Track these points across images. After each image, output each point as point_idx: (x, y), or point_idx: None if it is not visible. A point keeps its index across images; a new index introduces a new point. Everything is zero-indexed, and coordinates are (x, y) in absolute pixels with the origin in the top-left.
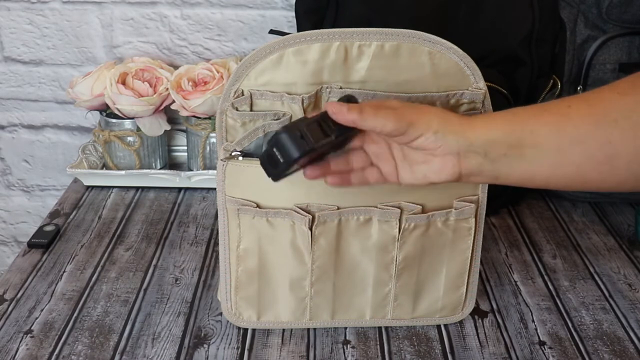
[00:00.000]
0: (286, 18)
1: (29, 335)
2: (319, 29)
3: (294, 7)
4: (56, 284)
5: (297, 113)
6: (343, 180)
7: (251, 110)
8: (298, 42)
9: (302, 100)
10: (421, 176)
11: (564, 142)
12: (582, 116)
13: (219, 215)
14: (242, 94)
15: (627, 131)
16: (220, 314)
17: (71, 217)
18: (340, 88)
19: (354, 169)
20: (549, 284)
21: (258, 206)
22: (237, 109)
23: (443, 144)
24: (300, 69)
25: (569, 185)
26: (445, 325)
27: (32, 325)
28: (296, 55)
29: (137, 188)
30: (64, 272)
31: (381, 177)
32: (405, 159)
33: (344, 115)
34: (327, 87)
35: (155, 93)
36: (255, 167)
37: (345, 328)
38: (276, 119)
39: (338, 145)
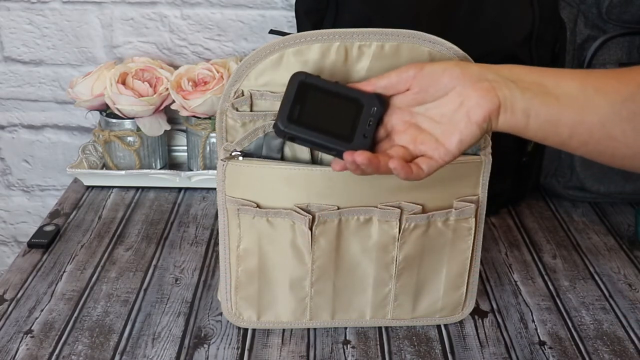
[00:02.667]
0: (286, 18)
1: (29, 335)
2: (319, 29)
3: (294, 7)
4: (56, 284)
5: None
6: (405, 166)
7: (251, 110)
8: (298, 43)
9: None
10: (464, 123)
11: (588, 88)
12: (604, 73)
13: (219, 215)
14: (242, 94)
15: None
16: (220, 314)
17: (71, 217)
18: None
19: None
20: (549, 284)
21: (258, 206)
22: (237, 110)
23: (469, 72)
24: (300, 69)
25: (593, 139)
26: (445, 325)
27: (32, 325)
28: (296, 55)
29: (137, 188)
30: (64, 272)
31: (432, 160)
32: (441, 124)
33: (369, 83)
34: None
35: (155, 93)
36: (255, 167)
37: (345, 328)
38: None
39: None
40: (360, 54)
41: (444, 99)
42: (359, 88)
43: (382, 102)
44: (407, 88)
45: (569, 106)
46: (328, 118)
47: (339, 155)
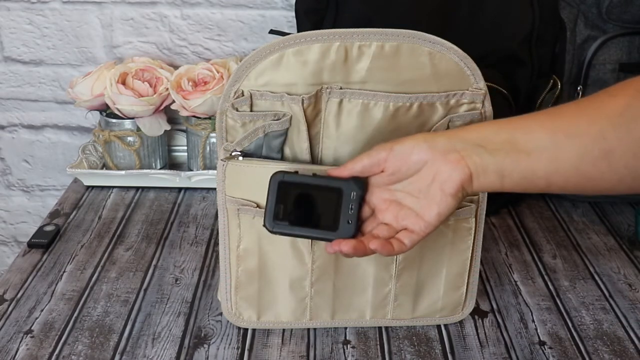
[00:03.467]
0: (286, 18)
1: (29, 335)
2: (319, 29)
3: (294, 7)
4: (56, 284)
5: (297, 113)
6: (386, 245)
7: (251, 110)
8: (298, 43)
9: (302, 100)
10: (439, 197)
11: (559, 135)
12: (573, 113)
13: (219, 215)
14: (242, 94)
15: (620, 127)
16: (220, 314)
17: (71, 217)
18: (340, 89)
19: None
20: (549, 284)
21: (258, 206)
22: (237, 110)
23: (436, 145)
24: (300, 69)
25: (570, 183)
26: (445, 325)
27: (32, 325)
28: (296, 55)
29: (137, 188)
30: (64, 272)
31: (413, 233)
32: (419, 199)
33: (343, 169)
34: (327, 88)
35: (155, 93)
36: (255, 167)
37: (345, 328)
38: (276, 120)
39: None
40: (360, 54)
41: (417, 175)
42: (336, 175)
43: (361, 185)
44: (382, 169)
45: (542, 159)
46: (311, 211)
47: (328, 242)
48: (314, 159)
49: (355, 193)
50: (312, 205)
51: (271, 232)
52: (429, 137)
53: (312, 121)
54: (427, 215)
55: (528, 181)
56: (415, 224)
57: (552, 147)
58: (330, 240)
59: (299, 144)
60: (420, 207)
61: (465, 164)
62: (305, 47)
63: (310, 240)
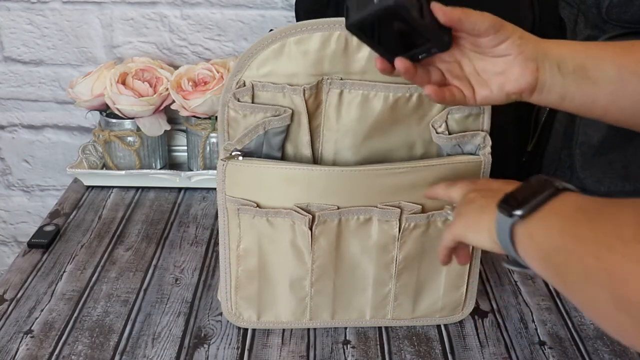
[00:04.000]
0: (286, 18)
1: (29, 335)
2: None
3: (294, 7)
4: (56, 284)
5: (299, 105)
6: (439, 90)
7: (252, 102)
8: (299, 31)
9: (304, 90)
10: (497, 88)
11: (625, 72)
12: None
13: (219, 215)
14: (244, 84)
15: None
16: (220, 314)
17: (71, 217)
18: (341, 79)
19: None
20: (549, 284)
21: (258, 206)
22: (238, 100)
23: (525, 50)
24: (301, 58)
25: (625, 116)
26: (445, 325)
27: (32, 325)
28: (298, 44)
29: (137, 188)
30: (64, 272)
31: (461, 95)
32: (479, 76)
33: (449, 12)
34: (327, 79)
35: (155, 93)
36: (255, 167)
37: (345, 328)
38: (277, 115)
39: (419, 44)
40: (360, 43)
41: (493, 59)
42: (439, 14)
43: (446, 46)
44: (474, 37)
45: (605, 90)
46: (390, 34)
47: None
48: (315, 152)
49: (436, 50)
50: (395, 33)
51: (350, 24)
52: (524, 35)
53: (313, 113)
54: (478, 92)
55: (586, 108)
56: (464, 87)
57: (618, 81)
58: (388, 58)
59: (300, 137)
60: (476, 82)
61: (536, 77)
62: (306, 36)
63: (310, 240)
